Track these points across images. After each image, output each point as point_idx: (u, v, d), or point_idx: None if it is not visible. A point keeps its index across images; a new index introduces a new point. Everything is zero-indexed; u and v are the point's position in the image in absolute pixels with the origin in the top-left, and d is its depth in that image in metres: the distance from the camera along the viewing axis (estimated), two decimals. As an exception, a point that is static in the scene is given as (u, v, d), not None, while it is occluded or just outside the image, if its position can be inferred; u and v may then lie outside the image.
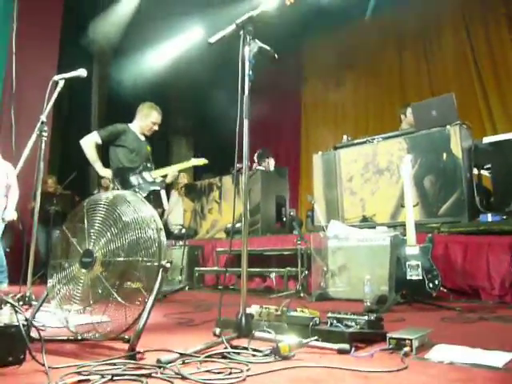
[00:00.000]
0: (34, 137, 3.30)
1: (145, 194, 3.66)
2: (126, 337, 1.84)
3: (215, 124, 6.78)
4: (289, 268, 4.16)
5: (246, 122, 1.99)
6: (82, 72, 3.32)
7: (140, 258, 1.74)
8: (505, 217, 3.72)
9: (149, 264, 1.77)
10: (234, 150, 2.06)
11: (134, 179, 3.75)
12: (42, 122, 3.31)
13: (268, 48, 2.08)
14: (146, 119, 3.88)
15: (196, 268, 4.99)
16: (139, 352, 1.60)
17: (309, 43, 8.68)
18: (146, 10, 6.89)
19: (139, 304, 1.77)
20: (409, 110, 5.06)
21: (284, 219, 5.51)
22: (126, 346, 1.72)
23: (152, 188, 3.77)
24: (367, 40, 7.80)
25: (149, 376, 1.35)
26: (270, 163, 5.88)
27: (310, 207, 5.69)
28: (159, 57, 7.37)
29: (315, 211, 4.70)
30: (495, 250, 3.36)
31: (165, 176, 3.88)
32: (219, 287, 4.77)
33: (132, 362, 1.51)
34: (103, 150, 3.88)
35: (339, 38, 8.09)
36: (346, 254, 3.81)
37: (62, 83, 3.30)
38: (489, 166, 4.15)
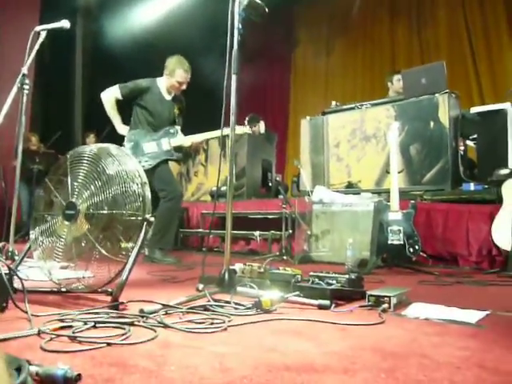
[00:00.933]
0: (14, 90, 3.19)
1: (154, 163, 3.48)
2: (110, 290, 1.84)
3: (203, 83, 6.63)
4: (273, 231, 4.19)
5: (234, 78, 1.95)
6: (65, 23, 3.19)
7: (124, 212, 1.73)
8: (487, 186, 3.79)
9: (133, 218, 1.76)
10: (222, 110, 2.04)
11: (148, 146, 3.53)
12: (23, 75, 3.19)
13: (259, 1, 2.02)
14: (171, 77, 3.60)
15: (181, 229, 5.00)
16: (122, 302, 1.62)
17: (302, 5, 8.46)
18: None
19: (123, 258, 1.77)
20: (395, 78, 5.04)
21: (270, 184, 5.51)
22: (109, 299, 1.74)
23: (164, 157, 3.56)
24: (360, 7, 7.64)
25: (131, 324, 1.36)
26: (261, 127, 5.85)
27: (296, 172, 5.69)
28: (147, 12, 7.09)
29: (301, 176, 4.72)
30: (475, 219, 3.43)
31: (181, 147, 3.63)
32: (203, 249, 4.81)
33: (115, 311, 1.52)
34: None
35: (332, 2, 7.91)
36: (330, 219, 3.85)
37: (43, 34, 3.17)
38: (475, 136, 4.18)
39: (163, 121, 3.62)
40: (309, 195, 4.13)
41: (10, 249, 3.18)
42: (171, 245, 3.77)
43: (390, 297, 1.70)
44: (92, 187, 1.80)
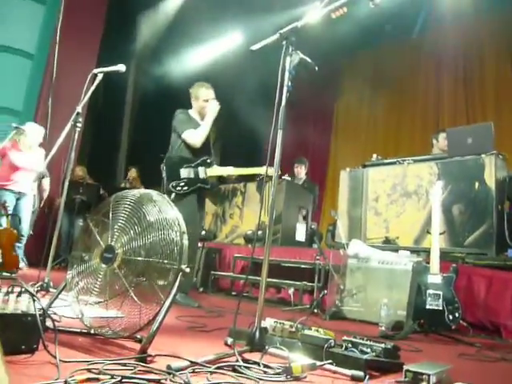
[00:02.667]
0: (68, 126, 3.37)
1: (188, 189, 3.53)
2: (138, 336, 1.83)
3: (244, 130, 6.78)
4: (305, 282, 4.10)
5: (280, 133, 1.96)
6: (121, 67, 3.38)
7: (160, 260, 1.73)
8: (534, 254, 3.59)
9: (168, 266, 1.76)
10: (259, 156, 2.05)
11: (184, 172, 3.59)
12: (78, 113, 3.38)
13: (309, 60, 2.06)
14: (198, 100, 3.75)
15: (212, 272, 4.98)
16: (150, 355, 1.59)
17: (347, 59, 8.61)
18: (189, 11, 6.98)
19: (155, 305, 1.76)
20: (441, 136, 4.99)
21: (306, 232, 5.46)
22: (137, 346, 1.72)
23: (199, 185, 3.60)
24: (405, 60, 7.71)
25: (158, 382, 1.33)
26: (300, 171, 5.98)
27: (331, 222, 5.62)
28: (196, 60, 7.44)
29: (337, 227, 4.63)
30: (520, 288, 3.24)
31: (220, 176, 3.75)
32: (233, 293, 4.75)
33: (142, 364, 1.49)
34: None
35: (377, 56, 8.03)
36: (365, 275, 3.73)
37: (100, 76, 3.37)
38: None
39: (201, 148, 3.69)
40: (344, 248, 4.04)
41: (46, 280, 3.25)
42: (189, 287, 3.77)
43: (429, 375, 1.59)
44: (131, 232, 1.82)
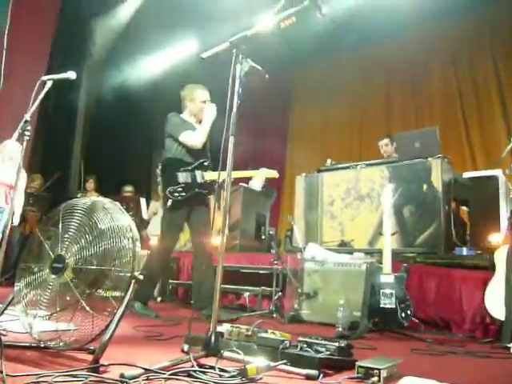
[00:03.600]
0: (15, 135, 3.25)
1: (186, 195, 3.44)
2: (91, 348, 1.79)
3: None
4: (263, 287, 4.13)
5: (231, 139, 1.99)
6: (71, 74, 3.28)
7: (112, 268, 1.71)
8: (479, 252, 3.79)
9: (121, 274, 1.74)
10: (217, 165, 2.07)
11: (182, 176, 3.47)
12: (26, 121, 3.25)
13: (259, 68, 2.10)
14: (194, 102, 3.62)
15: (170, 280, 4.91)
16: (103, 365, 1.56)
17: (299, 68, 8.78)
18: (144, 18, 6.90)
19: (107, 315, 1.73)
20: (383, 142, 5.40)
21: (263, 237, 5.49)
22: (89, 357, 1.68)
23: (196, 190, 3.50)
24: (356, 68, 7.96)
25: (110, 391, 1.31)
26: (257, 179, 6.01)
27: (289, 228, 5.69)
28: (150, 67, 7.38)
29: (294, 232, 4.70)
30: (468, 285, 3.40)
31: (214, 181, 3.52)
32: (191, 302, 4.70)
33: (94, 374, 1.46)
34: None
35: (329, 64, 8.24)
36: (322, 278, 3.80)
37: (50, 84, 3.27)
38: (467, 200, 4.24)
39: (198, 151, 3.57)
40: (301, 252, 4.11)
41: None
42: (149, 298, 3.71)
43: (380, 369, 1.65)
44: (82, 241, 1.79)
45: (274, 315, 3.79)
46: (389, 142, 5.41)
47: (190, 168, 3.53)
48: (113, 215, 1.80)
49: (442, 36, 7.14)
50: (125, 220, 1.80)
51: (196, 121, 3.67)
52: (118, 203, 1.84)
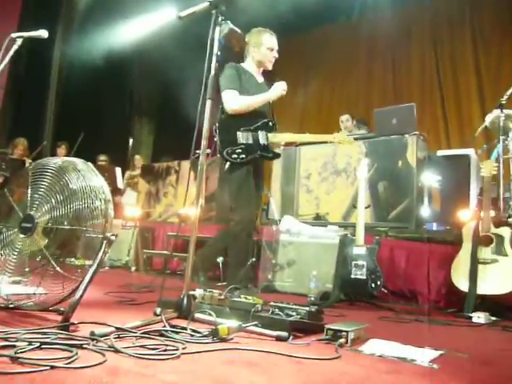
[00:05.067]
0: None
1: (245, 158, 2.97)
2: (62, 309, 1.77)
3: (179, 106, 6.64)
4: (238, 258, 4.15)
5: (208, 103, 1.96)
6: (42, 33, 3.15)
7: (84, 228, 1.69)
8: (448, 227, 3.90)
9: (93, 235, 1.72)
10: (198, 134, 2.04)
11: (242, 136, 2.99)
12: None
13: (239, 30, 2.06)
14: (260, 49, 3.17)
15: (145, 250, 4.90)
16: (73, 323, 1.55)
17: (280, 40, 8.65)
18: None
19: (79, 276, 1.71)
20: (344, 117, 5.72)
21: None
22: (60, 318, 1.67)
23: (259, 153, 3.03)
24: (337, 46, 7.91)
25: (80, 347, 1.30)
26: None
27: (266, 200, 5.72)
28: (128, 31, 7.12)
29: (270, 204, 4.73)
30: (436, 259, 3.50)
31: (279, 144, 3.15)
32: (167, 271, 4.71)
33: (64, 332, 1.45)
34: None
35: (310, 40, 8.16)
36: (296, 249, 3.85)
37: (19, 42, 3.13)
38: (439, 177, 4.33)
39: (260, 109, 3.16)
40: (276, 224, 4.14)
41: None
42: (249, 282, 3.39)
43: (347, 331, 1.70)
44: (53, 201, 1.75)
45: (249, 285, 3.83)
46: (349, 118, 5.54)
47: (252, 128, 3.07)
48: (85, 175, 1.76)
49: (422, 15, 7.15)
50: (97, 181, 1.77)
51: (258, 71, 3.29)
52: (90, 163, 1.80)
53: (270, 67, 3.28)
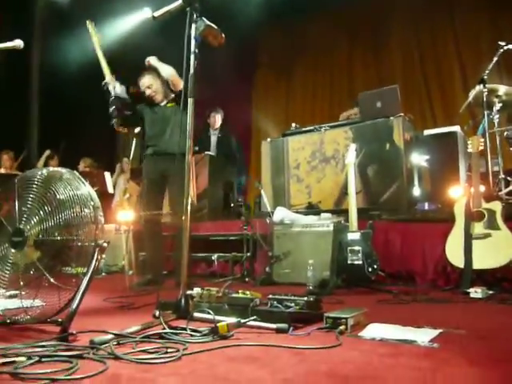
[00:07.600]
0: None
1: None
2: (59, 320, 1.76)
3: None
4: (235, 253, 4.16)
5: (190, 101, 1.94)
6: (18, 43, 3.10)
7: (75, 237, 1.67)
8: (440, 206, 3.93)
9: (86, 244, 1.71)
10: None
11: None
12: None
13: (215, 27, 2.04)
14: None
15: (140, 253, 4.87)
16: (72, 333, 1.54)
17: (261, 32, 8.62)
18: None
19: (74, 285, 1.70)
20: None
21: (231, 205, 5.50)
22: (58, 329, 1.66)
23: None
24: (319, 32, 7.88)
25: (80, 357, 1.30)
26: (217, 118, 5.97)
27: (258, 194, 5.72)
28: (108, 32, 7.03)
29: (262, 197, 4.73)
30: (430, 237, 3.53)
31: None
32: (164, 272, 4.69)
33: (63, 343, 1.45)
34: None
35: (292, 28, 8.12)
36: (291, 240, 3.86)
37: (-6, 52, 3.07)
38: (428, 157, 4.35)
39: None
40: (269, 216, 4.14)
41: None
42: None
43: (346, 318, 1.71)
44: (41, 212, 1.73)
45: (247, 279, 3.84)
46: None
47: None
48: (72, 185, 1.74)
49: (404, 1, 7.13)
50: (84, 189, 1.75)
51: None
52: (76, 172, 1.78)
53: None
